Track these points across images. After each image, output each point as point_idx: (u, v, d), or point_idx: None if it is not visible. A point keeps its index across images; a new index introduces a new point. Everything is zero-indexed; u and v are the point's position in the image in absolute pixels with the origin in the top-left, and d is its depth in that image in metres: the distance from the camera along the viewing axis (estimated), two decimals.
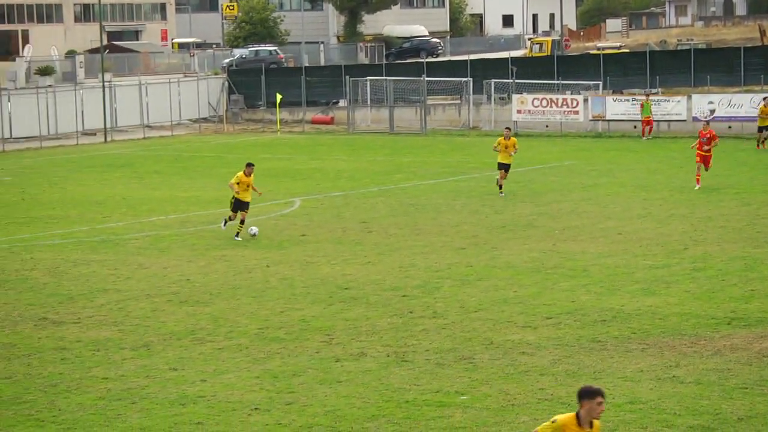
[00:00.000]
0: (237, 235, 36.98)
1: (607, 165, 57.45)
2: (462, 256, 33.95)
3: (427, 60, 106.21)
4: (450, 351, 23.63)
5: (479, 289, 29.41)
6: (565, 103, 77.91)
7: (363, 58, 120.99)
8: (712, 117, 71.73)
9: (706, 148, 44.75)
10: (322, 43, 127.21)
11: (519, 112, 78.34)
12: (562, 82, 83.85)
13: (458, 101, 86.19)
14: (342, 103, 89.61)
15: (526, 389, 20.88)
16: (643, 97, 73.53)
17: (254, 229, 37.57)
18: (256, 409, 20.06)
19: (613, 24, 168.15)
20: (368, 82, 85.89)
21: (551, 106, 78.01)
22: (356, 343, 24.41)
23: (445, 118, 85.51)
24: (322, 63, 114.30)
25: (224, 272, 32.30)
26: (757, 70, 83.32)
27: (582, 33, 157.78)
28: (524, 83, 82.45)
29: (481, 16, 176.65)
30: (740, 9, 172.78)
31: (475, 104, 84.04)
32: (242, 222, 37.14)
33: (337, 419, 19.46)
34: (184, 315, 27.31)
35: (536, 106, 78.22)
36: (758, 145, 62.69)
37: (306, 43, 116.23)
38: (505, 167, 46.00)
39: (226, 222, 37.62)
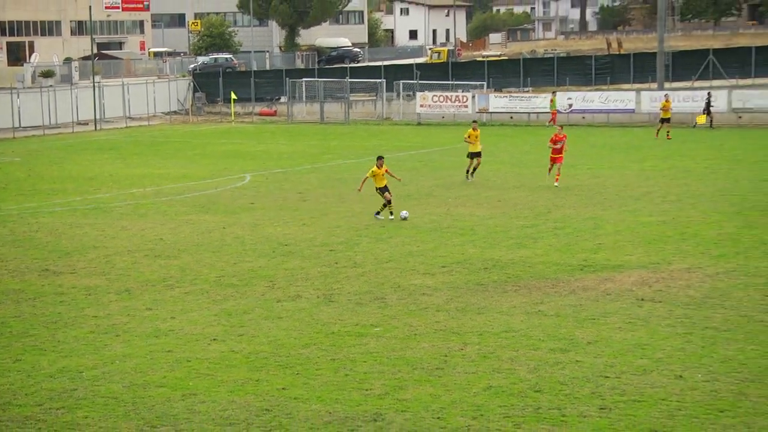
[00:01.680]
0: (384, 213, 33.53)
1: (490, 147, 57.52)
2: (377, 219, 33.98)
3: (350, 65, 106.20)
4: (366, 293, 23.69)
5: (390, 245, 29.48)
6: (457, 99, 78.21)
7: (300, 64, 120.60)
8: (571, 109, 72.53)
9: (558, 148, 40.11)
10: (268, 51, 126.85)
11: (422, 106, 78.53)
12: (455, 82, 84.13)
13: (374, 98, 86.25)
14: (283, 99, 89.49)
15: (426, 322, 20.98)
16: (551, 94, 73.70)
17: (405, 213, 33.77)
18: (214, 339, 20.02)
19: (495, 37, 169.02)
20: (304, 83, 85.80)
21: (446, 102, 78.27)
22: (293, 288, 24.40)
23: (364, 110, 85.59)
24: (268, 68, 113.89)
25: (190, 233, 32.12)
26: (605, 73, 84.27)
27: (471, 44, 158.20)
28: (426, 83, 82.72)
29: (392, 31, 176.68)
30: (592, 26, 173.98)
31: (388, 100, 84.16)
32: (389, 202, 33.34)
33: (278, 347, 19.47)
34: (158, 267, 27.15)
35: (435, 102, 78.46)
36: (657, 136, 60.00)
37: (255, 51, 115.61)
38: (477, 155, 42.72)
39: (387, 208, 33.54)
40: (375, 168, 33.42)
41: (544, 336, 19.69)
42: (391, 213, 33.40)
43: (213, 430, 15.32)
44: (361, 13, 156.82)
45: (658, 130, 60.00)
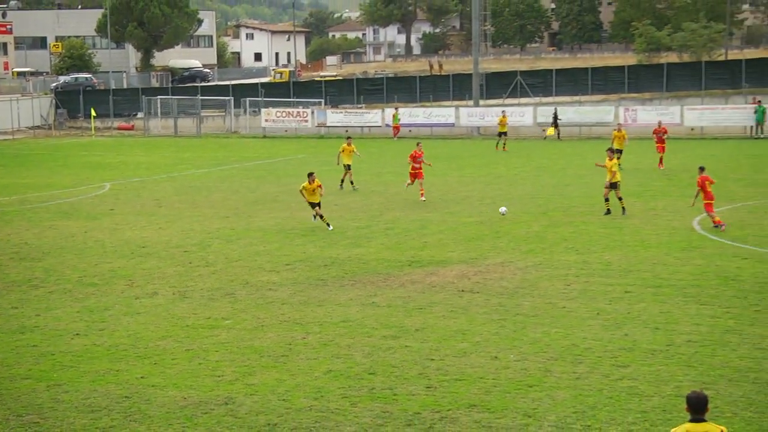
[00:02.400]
0: (328, 225, 31.40)
1: (328, 157, 57.68)
2: (227, 222, 33.68)
3: (201, 84, 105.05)
4: (218, 289, 23.45)
5: (239, 246, 29.25)
6: (298, 114, 78.13)
7: (155, 83, 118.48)
8: (399, 122, 73.16)
9: (417, 166, 37.38)
10: (125, 72, 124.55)
11: (266, 120, 78.23)
12: (296, 99, 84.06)
13: (223, 113, 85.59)
14: (140, 114, 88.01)
15: (272, 314, 20.88)
16: (393, 110, 73.86)
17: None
18: (77, 334, 19.52)
19: (331, 59, 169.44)
20: (159, 100, 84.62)
21: (288, 117, 78.15)
22: (151, 286, 23.99)
23: (214, 125, 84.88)
24: (125, 86, 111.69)
25: (53, 237, 31.23)
26: (428, 91, 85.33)
27: (310, 65, 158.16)
28: (270, 100, 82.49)
29: (239, 53, 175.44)
30: (416, 50, 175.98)
31: (236, 115, 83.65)
32: (321, 216, 31.55)
33: (137, 339, 19.11)
34: (23, 268, 26.31)
35: (278, 117, 78.25)
36: (497, 148, 60.10)
37: (113, 72, 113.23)
38: (349, 167, 41.71)
39: (315, 217, 31.86)
40: (306, 183, 31.23)
41: (377, 324, 19.80)
42: (329, 224, 31.56)
43: (76, 416, 14.94)
44: (211, 37, 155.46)
45: (497, 143, 60.75)
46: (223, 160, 58.28)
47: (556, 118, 68.39)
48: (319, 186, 31.59)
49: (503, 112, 65.51)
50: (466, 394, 15.48)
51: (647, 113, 66.98)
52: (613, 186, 33.26)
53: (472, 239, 29.33)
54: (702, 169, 30.65)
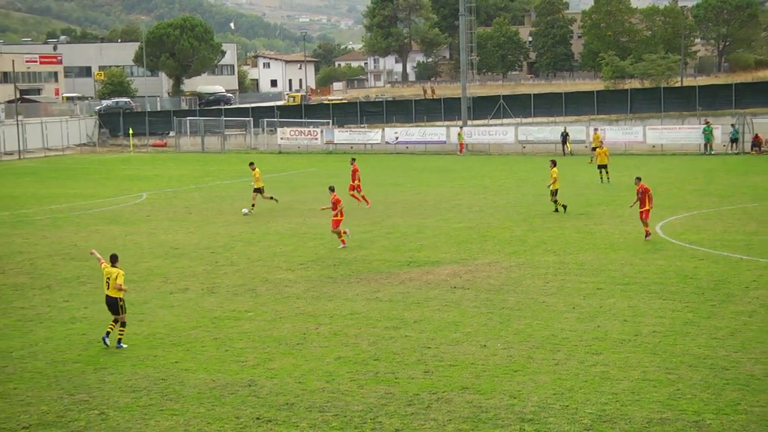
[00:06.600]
0: (119, 343, 17.79)
1: (335, 171, 57.70)
2: (248, 227, 33.60)
3: (224, 107, 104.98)
4: (241, 285, 23.40)
5: (259, 247, 29.20)
6: (309, 133, 78.06)
7: (184, 106, 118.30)
8: (397, 141, 73.13)
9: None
10: (158, 96, 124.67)
11: (282, 138, 78.13)
12: (307, 120, 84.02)
13: (244, 132, 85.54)
14: (171, 133, 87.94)
15: (289, 308, 20.83)
16: (459, 129, 72.59)
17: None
18: (118, 324, 19.41)
19: (338, 85, 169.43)
20: (188, 121, 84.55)
21: (301, 135, 78.06)
22: (183, 282, 23.93)
23: (236, 142, 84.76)
24: (159, 109, 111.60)
25: (98, 239, 31.06)
26: (422, 113, 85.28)
27: (319, 90, 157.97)
28: (284, 121, 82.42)
29: (257, 80, 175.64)
30: (412, 77, 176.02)
31: (255, 134, 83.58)
32: (122, 324, 17.90)
33: (171, 329, 19.07)
34: (72, 267, 26.27)
35: (292, 135, 78.18)
36: (590, 161, 55.81)
37: (148, 96, 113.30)
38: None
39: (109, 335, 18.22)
40: (107, 266, 17.87)
41: (380, 317, 19.75)
42: (109, 337, 17.87)
43: (120, 395, 14.90)
44: (233, 66, 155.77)
45: (592, 158, 55.78)
46: (244, 173, 58.08)
47: (566, 136, 66.44)
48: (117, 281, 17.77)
49: (596, 130, 63.12)
50: (459, 378, 15.43)
51: (614, 132, 66.98)
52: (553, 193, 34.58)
53: (462, 242, 29.27)
54: (639, 179, 29.64)
